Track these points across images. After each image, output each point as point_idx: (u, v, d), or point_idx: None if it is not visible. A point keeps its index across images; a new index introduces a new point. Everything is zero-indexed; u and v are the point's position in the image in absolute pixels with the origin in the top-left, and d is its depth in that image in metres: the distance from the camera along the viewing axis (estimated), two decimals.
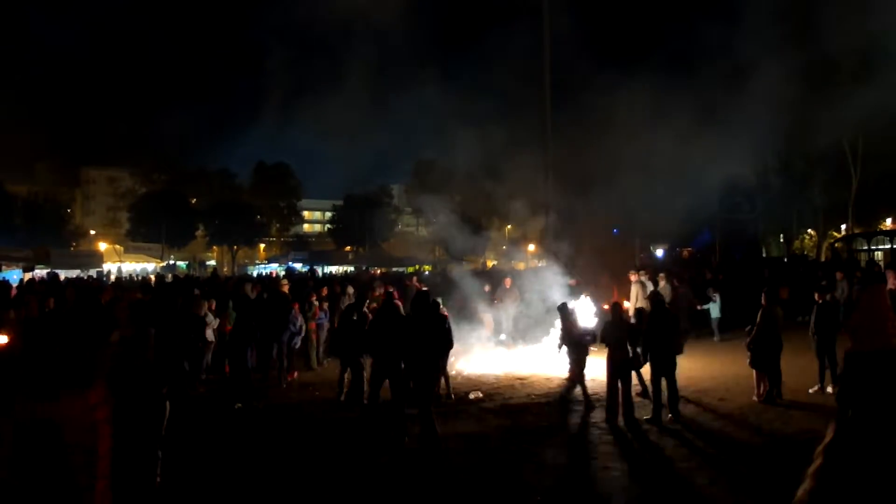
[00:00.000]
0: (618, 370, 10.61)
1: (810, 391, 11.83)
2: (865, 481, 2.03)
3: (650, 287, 18.74)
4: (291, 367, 14.74)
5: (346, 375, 12.07)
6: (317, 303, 16.60)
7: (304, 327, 15.09)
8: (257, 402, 11.86)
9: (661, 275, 19.86)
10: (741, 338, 13.04)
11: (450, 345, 10.82)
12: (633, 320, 12.06)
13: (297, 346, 14.98)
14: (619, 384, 10.57)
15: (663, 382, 10.47)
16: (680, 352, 11.02)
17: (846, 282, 18.47)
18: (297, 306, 15.05)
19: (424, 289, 12.31)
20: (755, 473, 7.96)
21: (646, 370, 11.13)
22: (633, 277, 18.70)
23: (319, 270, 44.80)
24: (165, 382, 5.77)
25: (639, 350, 10.74)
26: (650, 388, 10.74)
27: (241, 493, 7.66)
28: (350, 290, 18.30)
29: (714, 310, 19.36)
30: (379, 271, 40.68)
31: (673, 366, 10.53)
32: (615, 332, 10.91)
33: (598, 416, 10.75)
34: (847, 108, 27.82)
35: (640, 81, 23.01)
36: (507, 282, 19.54)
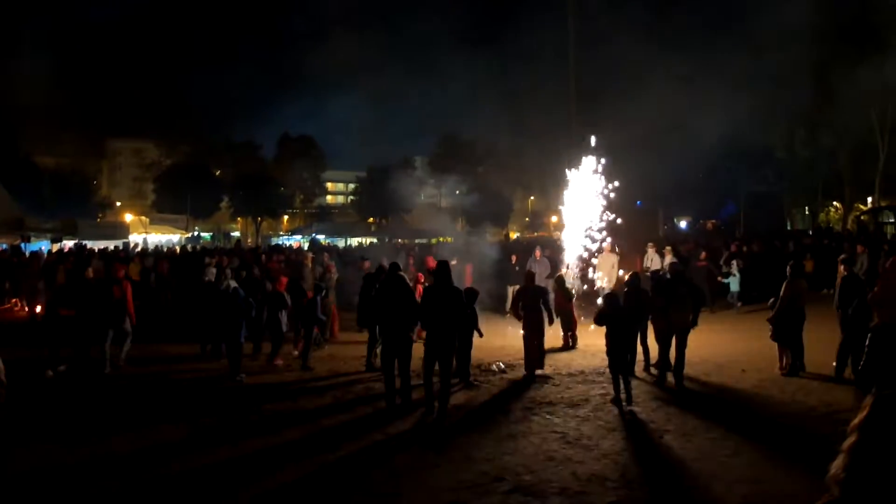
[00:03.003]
0: (534, 330, 12.02)
1: (834, 364, 11.78)
2: None
3: (657, 259, 18.77)
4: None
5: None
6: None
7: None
8: (242, 377, 11.95)
9: (668, 248, 19.72)
10: (760, 311, 12.91)
11: (464, 318, 10.65)
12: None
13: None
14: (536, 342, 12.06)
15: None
16: (693, 325, 11.28)
17: (867, 255, 18.23)
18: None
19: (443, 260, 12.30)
20: (778, 446, 7.98)
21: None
22: (607, 249, 18.48)
23: (342, 242, 45.02)
24: None
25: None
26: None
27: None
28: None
29: (734, 283, 19.42)
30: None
31: (684, 337, 11.05)
32: (529, 298, 12.31)
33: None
34: (875, 78, 27.38)
35: (669, 45, 22.83)
36: (538, 253, 19.03)
